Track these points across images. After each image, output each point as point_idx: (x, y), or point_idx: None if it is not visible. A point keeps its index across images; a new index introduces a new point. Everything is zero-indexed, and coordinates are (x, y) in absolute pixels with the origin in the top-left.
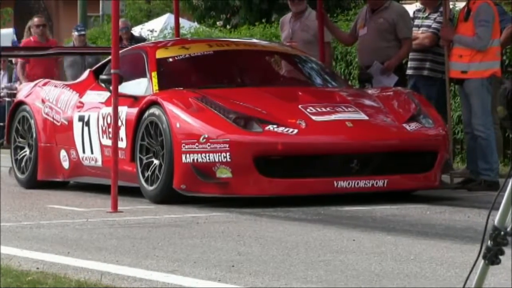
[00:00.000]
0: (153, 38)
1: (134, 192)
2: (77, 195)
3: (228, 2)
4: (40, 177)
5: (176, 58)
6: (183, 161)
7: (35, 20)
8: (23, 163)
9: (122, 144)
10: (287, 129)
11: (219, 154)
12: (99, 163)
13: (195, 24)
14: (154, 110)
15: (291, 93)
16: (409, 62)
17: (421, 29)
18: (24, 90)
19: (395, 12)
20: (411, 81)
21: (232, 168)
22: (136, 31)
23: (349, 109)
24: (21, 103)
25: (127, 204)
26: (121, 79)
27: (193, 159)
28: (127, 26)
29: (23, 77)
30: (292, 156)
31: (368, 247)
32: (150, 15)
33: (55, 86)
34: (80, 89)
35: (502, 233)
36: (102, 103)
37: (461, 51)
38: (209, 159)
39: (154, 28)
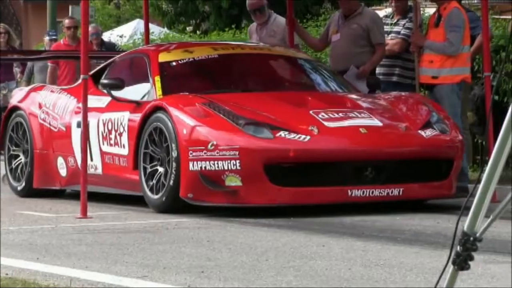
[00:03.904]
0: (122, 44)
1: (103, 198)
2: (46, 201)
3: (197, 8)
4: (36, 185)
5: (179, 62)
6: (190, 169)
7: None
8: (17, 171)
9: (123, 151)
10: (299, 135)
11: (228, 161)
12: (99, 170)
13: (165, 29)
14: (159, 115)
15: (301, 98)
16: (377, 68)
17: (390, 35)
18: (18, 95)
19: (368, 17)
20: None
21: (242, 176)
22: (106, 36)
23: (362, 115)
24: (15, 108)
25: (96, 210)
26: (122, 84)
27: (201, 167)
28: (97, 31)
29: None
30: (304, 164)
31: (338, 252)
32: (119, 21)
33: (52, 91)
34: (78, 94)
35: (472, 238)
36: (102, 108)
37: (432, 56)
38: (217, 166)
39: (124, 33)
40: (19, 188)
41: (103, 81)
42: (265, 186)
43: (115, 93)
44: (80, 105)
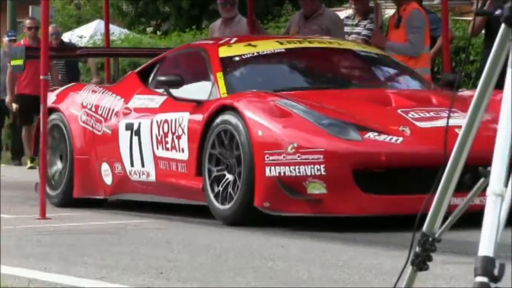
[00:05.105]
0: (82, 45)
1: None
2: (5, 202)
3: (158, 8)
4: (76, 194)
5: (243, 56)
6: (266, 175)
7: None
8: (54, 178)
9: (183, 156)
10: (390, 137)
11: (312, 166)
12: (152, 177)
13: (125, 30)
14: (228, 116)
15: (382, 96)
16: None
17: (351, 36)
18: (53, 95)
19: (328, 18)
20: None
21: (327, 182)
22: (66, 37)
23: (455, 114)
24: (51, 110)
25: (55, 211)
26: (182, 81)
27: (279, 173)
28: (57, 31)
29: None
30: (396, 169)
31: (296, 253)
32: (80, 21)
33: (93, 90)
34: (125, 93)
35: (430, 239)
36: (155, 108)
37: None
38: (299, 172)
39: (84, 34)
40: (55, 197)
41: (160, 78)
42: (353, 194)
43: (174, 91)
44: (129, 105)
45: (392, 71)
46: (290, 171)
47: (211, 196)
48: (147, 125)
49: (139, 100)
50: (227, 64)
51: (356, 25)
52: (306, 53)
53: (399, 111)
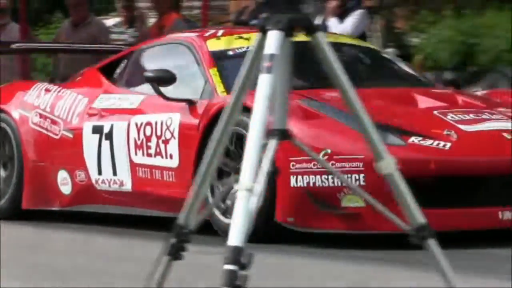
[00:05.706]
0: None
1: None
2: None
3: None
4: (26, 206)
5: (237, 50)
6: (292, 185)
7: None
8: None
9: (171, 163)
10: (437, 142)
11: (349, 176)
12: (127, 186)
13: None
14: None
15: (408, 96)
16: None
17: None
18: None
19: (96, 26)
20: None
21: None
22: None
23: (494, 116)
24: None
25: None
26: (173, 78)
27: (309, 183)
28: None
29: None
30: (446, 178)
31: (60, 245)
32: None
33: (46, 89)
34: (88, 92)
35: (185, 230)
36: (132, 109)
37: None
38: (332, 182)
39: None
40: None
41: (148, 74)
42: (397, 208)
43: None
44: (96, 105)
45: (404, 70)
46: (322, 181)
47: (215, 210)
48: (122, 127)
49: (108, 100)
50: (220, 59)
51: (122, 33)
52: (310, 48)
53: (435, 112)
